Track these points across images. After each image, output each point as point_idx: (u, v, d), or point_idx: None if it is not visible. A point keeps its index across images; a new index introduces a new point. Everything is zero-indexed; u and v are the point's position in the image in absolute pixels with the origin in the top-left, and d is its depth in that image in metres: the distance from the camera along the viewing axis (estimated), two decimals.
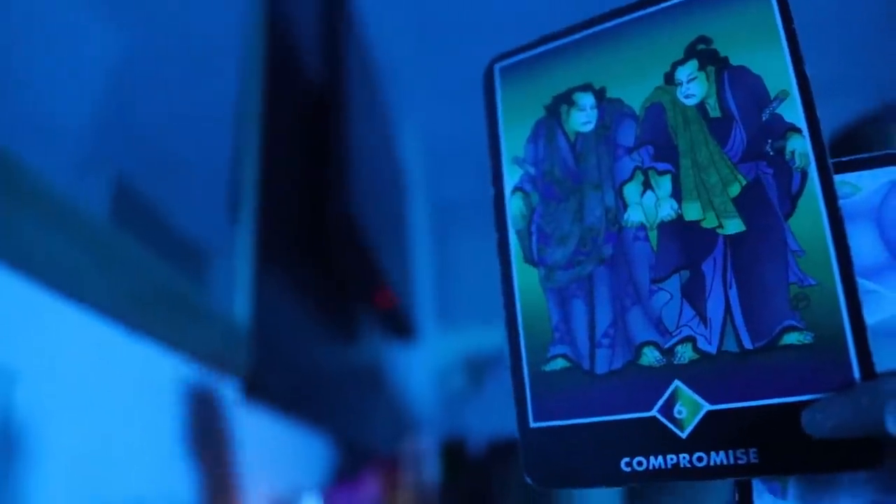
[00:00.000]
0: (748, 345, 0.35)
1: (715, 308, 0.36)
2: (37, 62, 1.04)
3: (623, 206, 0.39)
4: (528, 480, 0.39)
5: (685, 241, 0.37)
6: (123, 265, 1.10)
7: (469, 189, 2.48)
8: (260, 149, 1.63)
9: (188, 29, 1.51)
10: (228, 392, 1.44)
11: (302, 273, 1.90)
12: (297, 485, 1.74)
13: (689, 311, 0.37)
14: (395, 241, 2.61)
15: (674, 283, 0.37)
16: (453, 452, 2.67)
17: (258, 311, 1.53)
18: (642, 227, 0.38)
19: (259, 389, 1.51)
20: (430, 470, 2.40)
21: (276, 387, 1.61)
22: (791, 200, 0.35)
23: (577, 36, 0.41)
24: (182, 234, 1.43)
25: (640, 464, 0.36)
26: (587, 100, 0.41)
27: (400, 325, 2.70)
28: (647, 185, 0.39)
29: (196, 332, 1.32)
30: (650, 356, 0.37)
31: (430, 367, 3.56)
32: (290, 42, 1.91)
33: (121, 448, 1.08)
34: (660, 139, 0.38)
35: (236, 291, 1.52)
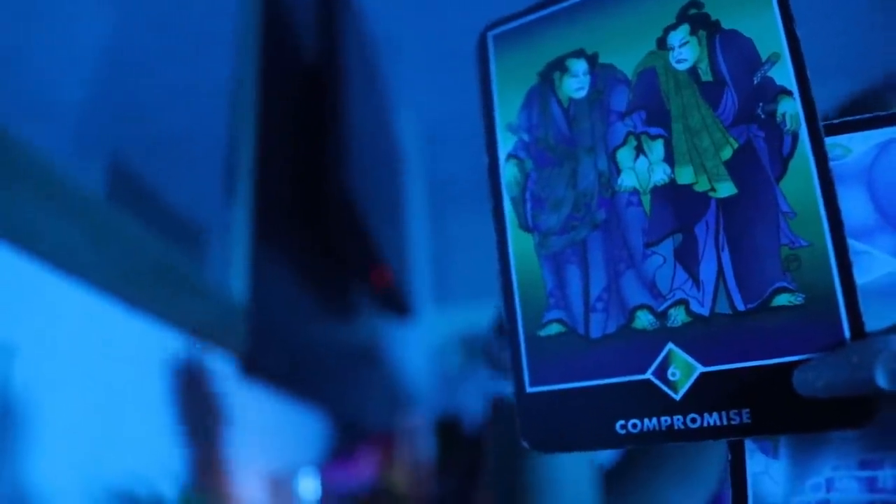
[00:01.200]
0: (740, 307, 0.35)
1: (708, 271, 0.36)
2: (32, 40, 1.03)
3: (616, 170, 0.39)
4: (525, 444, 0.39)
5: (678, 204, 0.37)
6: (120, 241, 1.10)
7: (465, 167, 2.47)
8: (256, 126, 1.63)
9: (184, 6, 1.50)
10: (224, 368, 1.45)
11: (298, 250, 1.90)
12: (294, 461, 1.75)
13: (682, 275, 0.37)
14: (391, 219, 2.61)
15: (667, 247, 0.37)
16: (449, 429, 2.68)
17: (254, 288, 1.54)
18: (635, 191, 0.39)
19: (255, 366, 1.52)
20: (426, 446, 2.41)
21: (272, 364, 1.62)
22: (782, 163, 0.35)
23: (569, 2, 0.41)
24: (178, 212, 1.43)
25: (634, 426, 0.37)
26: (580, 66, 0.41)
27: (396, 303, 2.71)
28: (639, 150, 0.39)
29: (192, 309, 1.32)
30: (644, 319, 0.38)
31: (426, 344, 3.57)
32: (286, 19, 1.91)
33: (117, 423, 1.08)
34: (652, 104, 0.39)
35: (233, 269, 1.52)
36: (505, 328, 0.41)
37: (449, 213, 3.77)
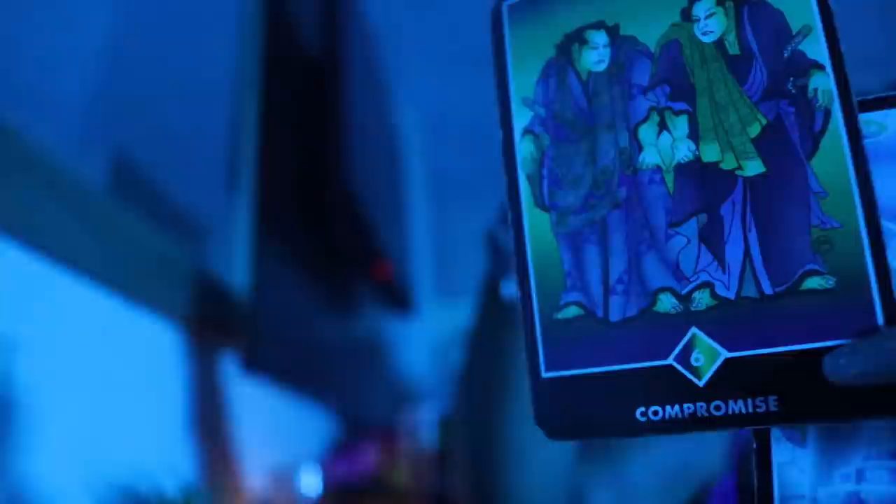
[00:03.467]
0: (768, 290, 0.34)
1: (734, 253, 0.35)
2: (35, 34, 1.02)
3: (638, 147, 0.38)
4: (542, 431, 0.38)
5: (703, 183, 0.36)
6: (122, 236, 1.09)
7: (467, 162, 2.47)
8: (259, 121, 1.62)
9: (186, 1, 1.49)
10: (227, 363, 1.44)
11: (300, 245, 1.89)
12: (296, 456, 1.74)
13: (706, 256, 0.36)
14: (393, 214, 2.60)
15: (691, 227, 0.36)
16: (451, 424, 2.67)
17: (256, 283, 1.53)
18: (658, 169, 0.37)
19: (257, 361, 1.51)
20: (429, 441, 2.40)
21: (274, 359, 1.61)
22: (813, 140, 0.34)
23: None
24: (181, 207, 1.42)
25: (655, 413, 0.35)
26: (600, 37, 0.39)
27: (398, 298, 2.70)
28: (662, 126, 0.37)
29: (194, 304, 1.31)
30: (666, 303, 0.36)
31: (428, 339, 3.56)
32: (289, 14, 1.90)
33: (119, 418, 1.07)
34: (676, 78, 0.37)
35: (235, 264, 1.51)
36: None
37: (451, 208, 3.76)
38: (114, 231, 1.07)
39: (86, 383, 1.01)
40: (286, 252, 1.76)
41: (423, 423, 2.36)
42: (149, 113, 1.33)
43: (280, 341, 1.66)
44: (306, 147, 1.92)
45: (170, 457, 1.19)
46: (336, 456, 1.96)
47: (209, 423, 1.36)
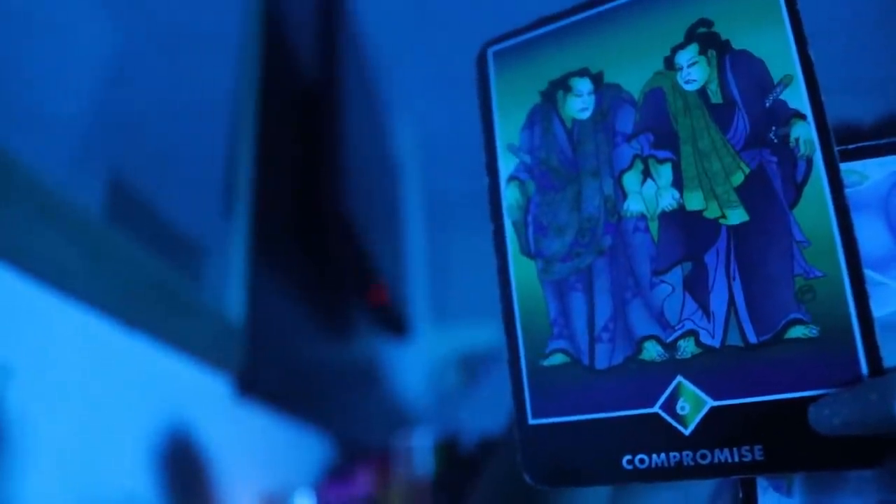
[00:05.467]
0: (752, 339, 0.34)
1: (718, 301, 0.35)
2: (31, 56, 1.03)
3: (622, 195, 0.38)
4: (527, 479, 0.38)
5: (687, 231, 0.36)
6: (117, 260, 1.09)
7: (463, 185, 2.47)
8: (254, 144, 1.62)
9: (183, 23, 1.50)
10: (222, 388, 1.44)
11: (296, 269, 1.89)
12: (290, 480, 1.73)
13: (691, 305, 0.36)
14: (388, 237, 2.60)
15: (676, 276, 0.36)
16: (446, 449, 2.66)
17: (252, 306, 1.53)
18: (642, 217, 0.37)
19: (252, 385, 1.51)
20: (424, 466, 2.39)
21: (269, 383, 1.61)
22: (796, 189, 0.34)
23: (573, 19, 0.40)
24: (176, 230, 1.42)
25: (642, 461, 0.35)
26: (584, 85, 0.39)
27: (393, 322, 2.70)
28: (646, 174, 0.37)
29: (189, 328, 1.31)
30: (652, 351, 0.36)
31: (424, 363, 3.56)
32: (285, 36, 1.91)
33: (113, 444, 1.07)
34: (660, 126, 0.37)
35: (230, 287, 1.51)
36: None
37: (447, 231, 3.76)
38: (108, 255, 1.06)
39: (78, 408, 1.00)
40: (282, 276, 1.76)
41: (419, 448, 2.36)
42: (146, 136, 1.33)
43: (275, 365, 1.66)
44: (303, 171, 1.93)
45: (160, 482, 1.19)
46: (330, 480, 1.95)
47: (202, 448, 1.35)
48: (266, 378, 1.59)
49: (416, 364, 3.41)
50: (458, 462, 2.54)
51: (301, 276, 1.93)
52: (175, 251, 1.38)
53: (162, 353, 1.23)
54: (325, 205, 1.89)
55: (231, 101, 1.63)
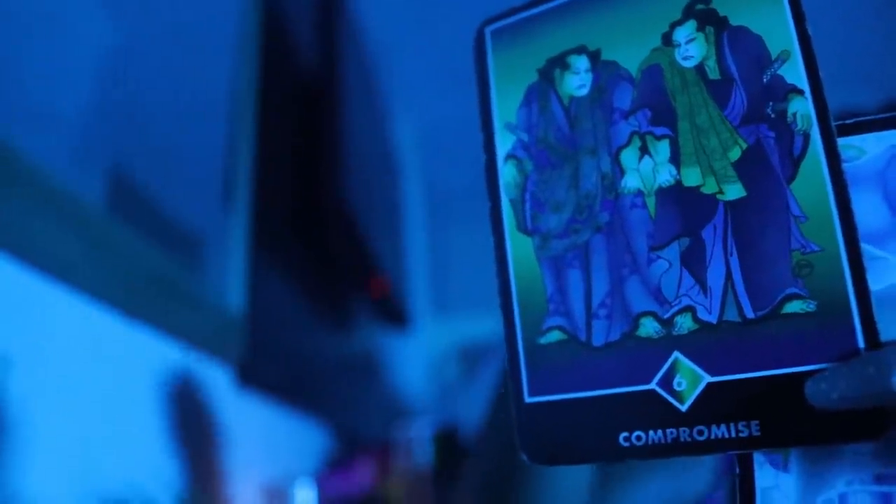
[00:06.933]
0: (749, 314, 0.34)
1: (715, 276, 0.35)
2: (32, 52, 1.03)
3: (620, 172, 0.38)
4: (524, 457, 0.38)
5: (684, 207, 0.36)
6: (117, 252, 1.09)
7: (464, 178, 2.47)
8: (254, 136, 1.62)
9: (183, 17, 1.50)
10: (221, 379, 1.44)
11: (296, 261, 1.89)
12: (290, 471, 1.74)
13: (688, 280, 0.36)
14: (389, 229, 2.60)
15: (673, 251, 0.36)
16: (446, 440, 2.67)
17: (252, 298, 1.53)
18: (640, 193, 0.37)
19: (252, 377, 1.51)
20: (423, 457, 2.39)
21: (269, 374, 1.61)
22: (793, 164, 0.34)
23: None
24: (176, 222, 1.42)
25: (638, 438, 0.35)
26: (581, 62, 0.39)
27: (394, 314, 2.69)
28: (644, 150, 0.37)
29: (189, 319, 1.31)
30: (649, 327, 0.36)
31: (424, 355, 3.56)
32: (285, 29, 1.90)
33: (113, 432, 1.07)
34: (657, 102, 0.37)
35: (230, 279, 1.51)
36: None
37: (447, 223, 3.76)
38: (109, 247, 1.06)
39: (79, 398, 1.00)
40: (282, 268, 1.76)
41: (418, 439, 2.36)
42: (146, 131, 1.33)
43: (275, 356, 1.66)
44: (302, 163, 1.92)
45: (162, 471, 1.19)
46: (331, 472, 1.95)
47: (202, 438, 1.35)
48: (266, 369, 1.59)
49: (416, 356, 3.41)
50: (457, 453, 2.54)
51: (301, 268, 1.92)
52: (175, 244, 1.38)
53: (162, 343, 1.23)
54: (325, 198, 1.89)
55: (232, 94, 1.63)
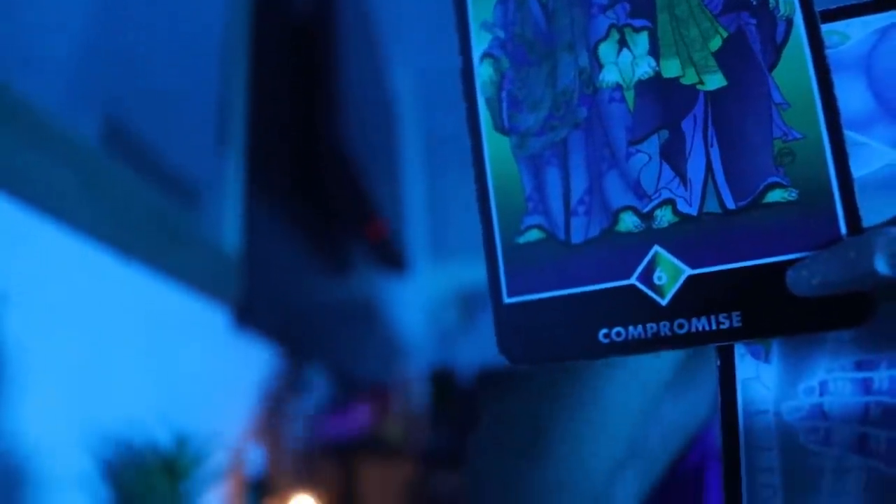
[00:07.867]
0: (730, 205, 0.33)
1: (696, 168, 0.34)
2: None
3: (598, 66, 0.37)
4: (505, 359, 0.37)
5: (664, 99, 0.35)
6: (114, 190, 1.09)
7: (463, 122, 2.45)
8: (248, 80, 1.61)
9: None
10: (218, 319, 1.44)
11: (293, 205, 1.89)
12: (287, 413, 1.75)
13: (668, 173, 0.35)
14: (387, 173, 2.59)
15: (652, 144, 0.35)
16: (443, 382, 2.69)
17: (249, 240, 1.53)
18: (618, 87, 0.36)
19: (250, 318, 1.51)
20: (420, 398, 2.42)
21: (266, 316, 1.61)
22: (775, 51, 0.33)
23: None
24: (172, 163, 1.42)
25: (618, 334, 0.35)
26: None
27: (392, 258, 2.70)
28: (622, 44, 0.36)
29: (185, 259, 1.31)
30: (628, 222, 0.35)
31: (422, 297, 3.57)
32: None
33: (110, 370, 1.07)
34: None
35: (226, 220, 1.51)
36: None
37: (445, 167, 3.74)
38: (105, 185, 1.06)
39: (77, 336, 1.01)
40: (278, 211, 1.76)
41: (416, 382, 2.38)
42: (139, 72, 1.32)
43: (272, 299, 1.66)
44: (299, 106, 1.91)
45: (161, 408, 1.20)
46: (329, 413, 1.96)
47: (199, 376, 1.36)
48: (263, 311, 1.59)
49: (414, 299, 3.42)
50: (454, 395, 2.56)
51: (298, 211, 1.92)
52: (171, 185, 1.38)
53: (159, 282, 1.23)
54: (321, 139, 1.88)
55: (225, 36, 1.61)
